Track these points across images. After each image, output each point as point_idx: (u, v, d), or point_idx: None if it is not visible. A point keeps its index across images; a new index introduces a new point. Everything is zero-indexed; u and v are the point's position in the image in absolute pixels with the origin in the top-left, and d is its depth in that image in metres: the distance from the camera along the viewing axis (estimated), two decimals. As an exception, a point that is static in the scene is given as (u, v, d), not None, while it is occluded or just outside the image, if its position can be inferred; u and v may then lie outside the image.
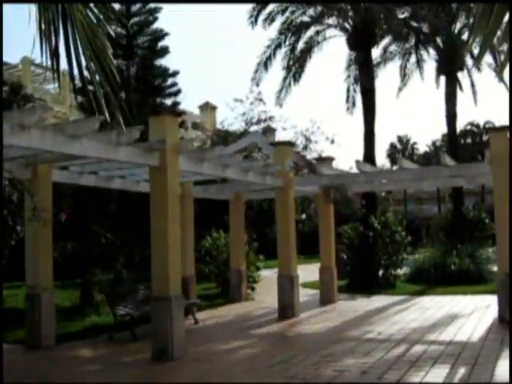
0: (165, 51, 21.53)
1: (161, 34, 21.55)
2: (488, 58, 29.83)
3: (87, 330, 13.08)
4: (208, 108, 56.78)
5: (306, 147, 20.88)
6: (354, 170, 17.92)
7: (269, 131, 25.18)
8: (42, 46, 3.74)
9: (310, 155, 20.57)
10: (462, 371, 8.33)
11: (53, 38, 3.76)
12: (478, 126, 72.80)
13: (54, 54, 3.80)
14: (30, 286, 11.34)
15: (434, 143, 78.12)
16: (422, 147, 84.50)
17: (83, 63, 3.93)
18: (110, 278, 17.48)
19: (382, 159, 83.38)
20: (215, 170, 11.93)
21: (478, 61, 18.23)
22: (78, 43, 3.85)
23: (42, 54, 3.74)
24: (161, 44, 21.69)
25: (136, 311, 12.24)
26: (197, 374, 8.88)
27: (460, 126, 50.85)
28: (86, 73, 3.98)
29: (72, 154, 8.66)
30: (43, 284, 11.21)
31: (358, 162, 15.03)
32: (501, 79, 28.38)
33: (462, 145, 57.76)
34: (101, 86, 3.96)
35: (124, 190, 14.72)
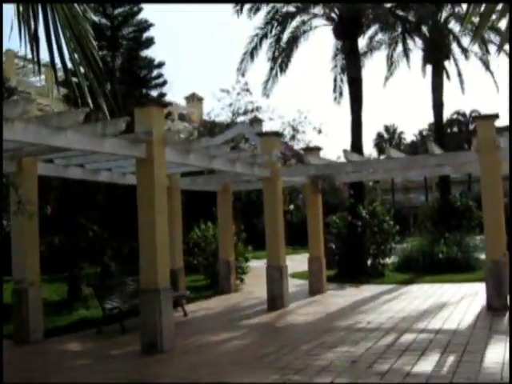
0: (150, 42, 21.35)
1: (146, 25, 21.35)
2: (474, 47, 29.95)
3: (75, 324, 13.00)
4: (194, 99, 56.55)
5: (293, 137, 20.81)
6: (342, 160, 17.92)
7: (256, 122, 25.07)
8: (20, 29, 3.62)
9: (298, 145, 20.54)
10: (451, 359, 8.35)
11: (32, 22, 3.64)
12: (464, 114, 73.18)
13: (34, 38, 3.68)
14: (17, 281, 11.24)
15: (420, 132, 78.45)
16: (409, 136, 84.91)
17: (65, 50, 3.81)
18: (97, 272, 17.37)
19: (369, 149, 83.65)
20: (202, 162, 11.84)
21: (475, 37, 18.13)
22: (59, 27, 3.73)
23: (20, 38, 3.62)
24: (146, 35, 21.51)
25: (124, 304, 12.17)
26: (186, 366, 8.84)
27: (446, 115, 50.99)
28: (68, 61, 3.86)
29: (57, 146, 8.54)
30: (30, 278, 11.10)
31: (345, 151, 15.00)
32: (487, 68, 28.48)
33: (449, 134, 57.98)
34: (84, 74, 3.86)
35: (111, 183, 14.61)
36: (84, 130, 8.77)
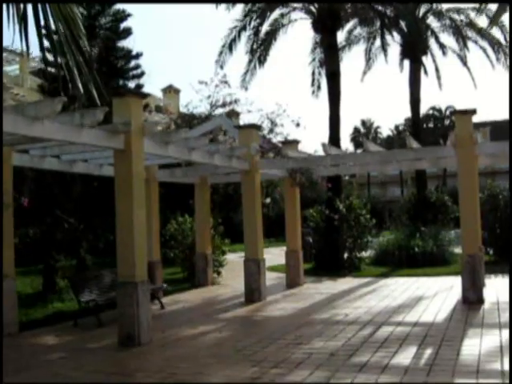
0: (127, 32, 21.10)
1: (123, 15, 21.10)
2: (451, 43, 30.20)
3: (51, 317, 12.85)
4: (171, 91, 56.11)
5: (271, 130, 20.77)
6: (320, 153, 17.92)
7: (232, 115, 24.97)
8: (8, 9, 3.51)
9: (276, 138, 20.50)
10: (428, 351, 8.42)
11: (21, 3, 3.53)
12: (439, 110, 73.79)
13: (22, 19, 3.57)
14: (-9, 273, 11.01)
15: (396, 127, 78.96)
16: (385, 131, 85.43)
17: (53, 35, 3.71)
18: (73, 264, 17.17)
19: (345, 143, 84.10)
20: (181, 153, 11.74)
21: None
22: (48, 8, 3.63)
23: (8, 18, 3.50)
24: (123, 25, 21.24)
25: (101, 297, 12.05)
26: (164, 359, 8.77)
27: (422, 110, 51.16)
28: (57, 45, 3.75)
29: (33, 136, 8.37)
30: (5, 271, 10.88)
31: (324, 144, 15.00)
32: (464, 64, 28.72)
33: (425, 129, 58.38)
34: (73, 55, 3.75)
35: (87, 174, 14.43)
36: (61, 120, 8.62)
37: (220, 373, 7.87)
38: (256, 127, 15.59)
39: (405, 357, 8.11)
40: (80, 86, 4.00)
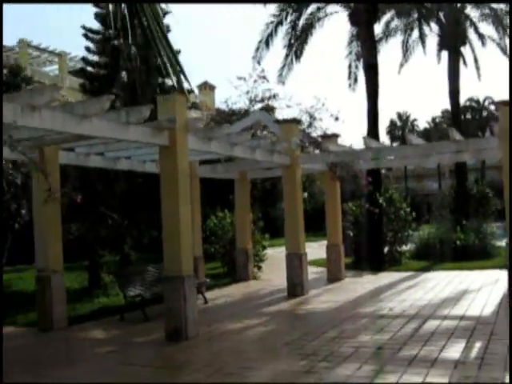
0: (166, 30, 21.24)
1: (162, 12, 21.24)
2: (490, 32, 29.64)
3: (97, 312, 13.07)
4: (206, 87, 56.38)
5: (310, 125, 20.71)
6: (360, 147, 17.81)
7: (268, 110, 24.99)
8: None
9: (315, 133, 20.44)
10: (478, 345, 8.34)
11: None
12: (477, 101, 72.48)
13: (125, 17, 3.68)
14: (40, 269, 11.28)
15: (433, 120, 77.82)
16: (422, 124, 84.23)
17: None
18: (117, 260, 17.42)
19: (382, 136, 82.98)
20: (223, 149, 11.81)
21: None
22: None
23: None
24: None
25: (146, 292, 12.22)
26: (212, 353, 8.88)
27: (460, 101, 49.89)
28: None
29: (82, 134, 8.54)
30: (53, 266, 11.16)
31: (365, 138, 14.92)
32: (505, 53, 28.15)
33: (463, 120, 57.44)
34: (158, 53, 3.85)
35: (130, 171, 14.65)
36: (109, 118, 8.77)
37: (269, 366, 7.92)
38: (296, 121, 15.59)
39: (454, 350, 8.05)
40: (138, 86, 4.08)
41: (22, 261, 21.04)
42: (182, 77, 3.89)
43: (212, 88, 56.69)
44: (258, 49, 24.16)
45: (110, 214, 15.53)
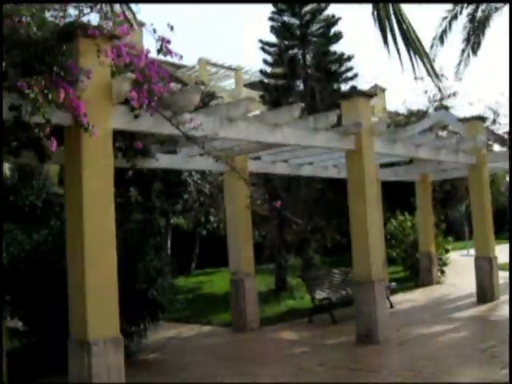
0: (338, 37, 21.31)
1: (333, 20, 21.37)
2: None
3: (285, 314, 13.47)
4: (377, 90, 55.67)
5: (494, 121, 19.63)
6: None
7: (441, 109, 24.11)
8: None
9: (500, 130, 19.33)
10: None
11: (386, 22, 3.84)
12: None
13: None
14: (233, 272, 11.87)
15: None
16: None
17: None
18: (300, 263, 17.82)
19: None
20: (407, 151, 11.63)
21: None
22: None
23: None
24: (334, 30, 21.52)
25: (333, 295, 12.38)
26: (405, 358, 8.80)
27: None
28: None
29: (274, 142, 8.91)
30: (246, 270, 11.70)
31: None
32: None
33: None
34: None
35: (311, 177, 14.96)
36: (297, 126, 9.06)
37: (468, 374, 7.67)
38: (481, 119, 14.88)
39: None
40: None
41: (210, 264, 22.36)
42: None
43: (382, 90, 55.85)
44: (432, 46, 23.39)
45: (294, 219, 16.00)
